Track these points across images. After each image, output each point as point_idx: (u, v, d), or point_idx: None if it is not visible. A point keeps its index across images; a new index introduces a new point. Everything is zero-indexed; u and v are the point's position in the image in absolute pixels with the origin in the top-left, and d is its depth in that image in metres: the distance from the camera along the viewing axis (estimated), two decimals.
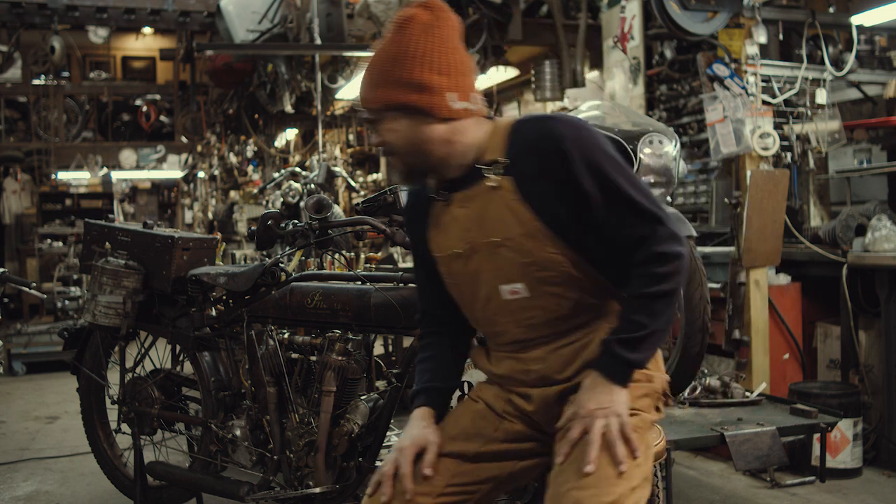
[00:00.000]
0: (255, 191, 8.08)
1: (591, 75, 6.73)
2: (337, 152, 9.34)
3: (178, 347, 3.42)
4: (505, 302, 1.74)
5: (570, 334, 1.75)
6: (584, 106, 3.62)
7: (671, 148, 3.29)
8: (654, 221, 1.65)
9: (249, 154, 9.80)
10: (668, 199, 3.51)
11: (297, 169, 5.34)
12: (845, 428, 3.90)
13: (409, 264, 5.36)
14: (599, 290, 1.74)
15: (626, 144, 3.24)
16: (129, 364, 3.41)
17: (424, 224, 1.87)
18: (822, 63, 4.65)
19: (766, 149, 4.37)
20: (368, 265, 4.61)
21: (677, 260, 1.65)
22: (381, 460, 2.89)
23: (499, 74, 8.13)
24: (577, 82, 6.56)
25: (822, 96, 4.57)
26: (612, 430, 1.58)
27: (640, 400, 1.73)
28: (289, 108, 7.71)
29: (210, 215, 11.20)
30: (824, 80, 4.62)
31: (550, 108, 7.85)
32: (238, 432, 3.00)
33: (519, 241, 1.68)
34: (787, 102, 4.54)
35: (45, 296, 7.48)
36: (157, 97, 14.29)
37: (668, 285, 1.64)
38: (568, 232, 1.67)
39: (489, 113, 1.79)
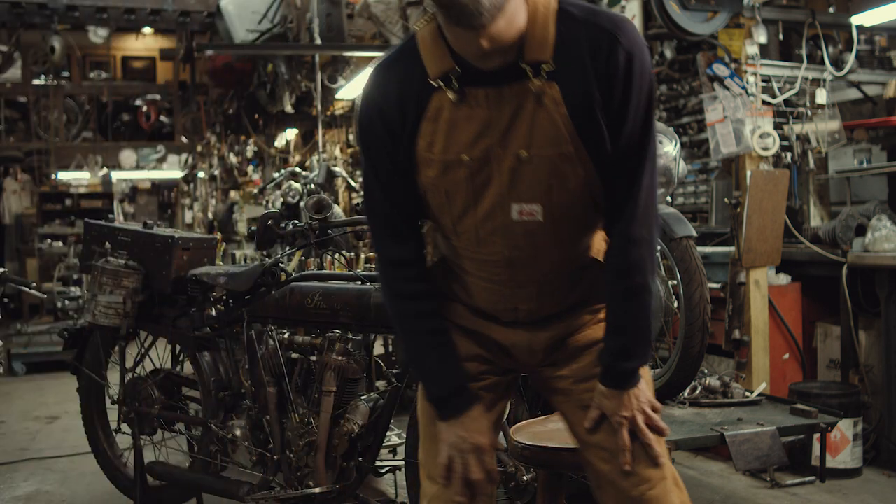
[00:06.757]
0: (255, 191, 8.08)
1: None
2: (337, 152, 9.33)
3: (178, 347, 3.43)
4: (512, 223, 1.45)
5: (563, 266, 1.54)
6: None
7: (671, 148, 3.28)
8: (640, 190, 1.48)
9: (249, 154, 9.80)
10: (669, 199, 3.51)
11: (297, 169, 5.33)
12: (845, 428, 3.90)
13: None
14: (597, 222, 1.55)
15: None
16: (129, 364, 3.41)
17: (417, 115, 1.43)
18: (822, 63, 4.64)
19: (766, 149, 4.37)
20: (368, 265, 4.61)
21: (647, 246, 1.49)
22: (380, 461, 2.89)
23: None
24: None
25: (822, 96, 4.56)
26: (642, 425, 1.52)
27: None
28: (289, 108, 7.71)
29: (210, 215, 11.19)
30: (824, 80, 4.62)
31: None
32: (238, 432, 3.01)
33: (553, 160, 1.39)
34: (787, 102, 4.54)
35: (45, 296, 7.45)
36: (157, 97, 14.28)
37: (641, 278, 1.49)
38: (599, 156, 1.40)
39: None
